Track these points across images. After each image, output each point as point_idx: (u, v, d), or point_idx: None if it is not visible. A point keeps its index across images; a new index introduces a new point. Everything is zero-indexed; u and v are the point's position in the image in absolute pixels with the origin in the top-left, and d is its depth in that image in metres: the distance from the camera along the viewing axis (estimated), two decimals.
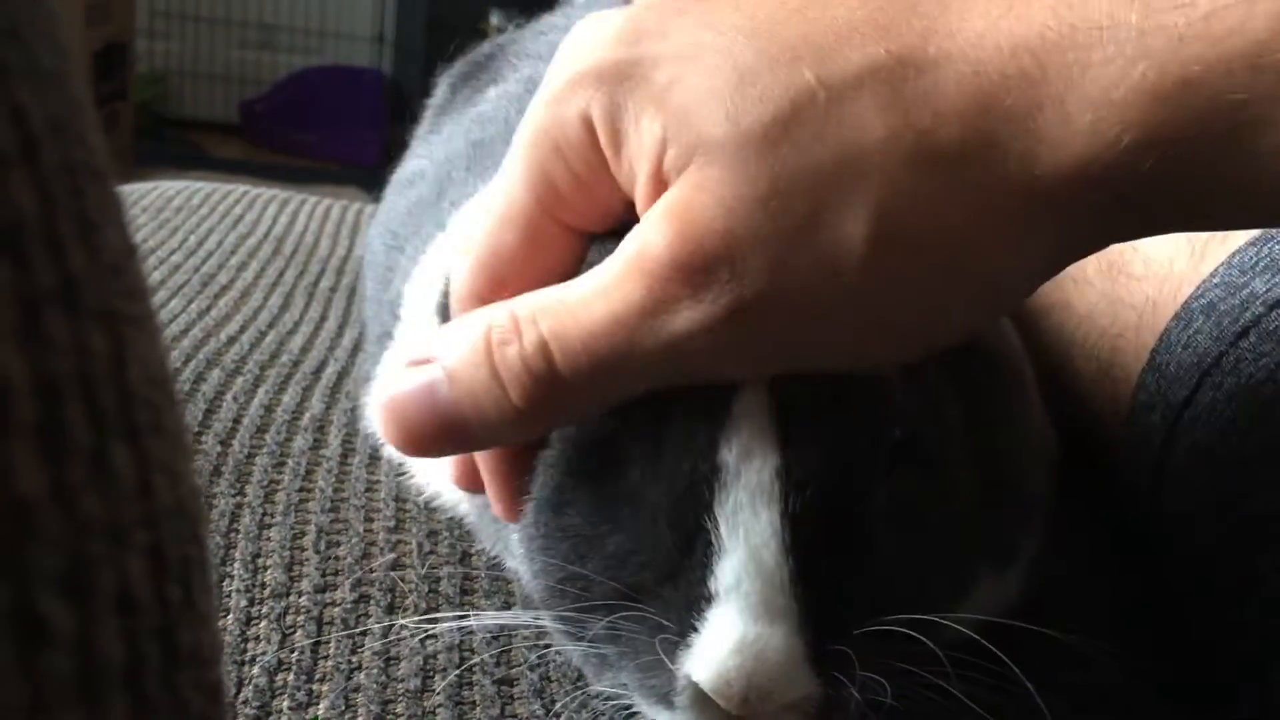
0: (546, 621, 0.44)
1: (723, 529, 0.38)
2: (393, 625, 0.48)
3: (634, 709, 0.41)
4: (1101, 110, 0.33)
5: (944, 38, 0.35)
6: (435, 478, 0.56)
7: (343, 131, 3.76)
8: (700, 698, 0.38)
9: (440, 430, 0.39)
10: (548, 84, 0.39)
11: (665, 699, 0.39)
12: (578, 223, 0.40)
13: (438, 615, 0.47)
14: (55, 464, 0.14)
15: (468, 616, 0.47)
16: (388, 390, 0.39)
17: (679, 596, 0.38)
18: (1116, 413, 0.57)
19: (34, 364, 0.14)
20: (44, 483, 0.14)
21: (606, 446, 0.41)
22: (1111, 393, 0.58)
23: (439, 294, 0.55)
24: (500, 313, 0.38)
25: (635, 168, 0.37)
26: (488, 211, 0.41)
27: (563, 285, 0.38)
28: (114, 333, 0.16)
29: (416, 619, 0.47)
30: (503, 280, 0.40)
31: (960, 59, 0.34)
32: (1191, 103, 0.32)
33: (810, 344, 0.37)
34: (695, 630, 0.38)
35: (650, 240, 0.35)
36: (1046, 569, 0.49)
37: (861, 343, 0.37)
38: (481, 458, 0.43)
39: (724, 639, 0.37)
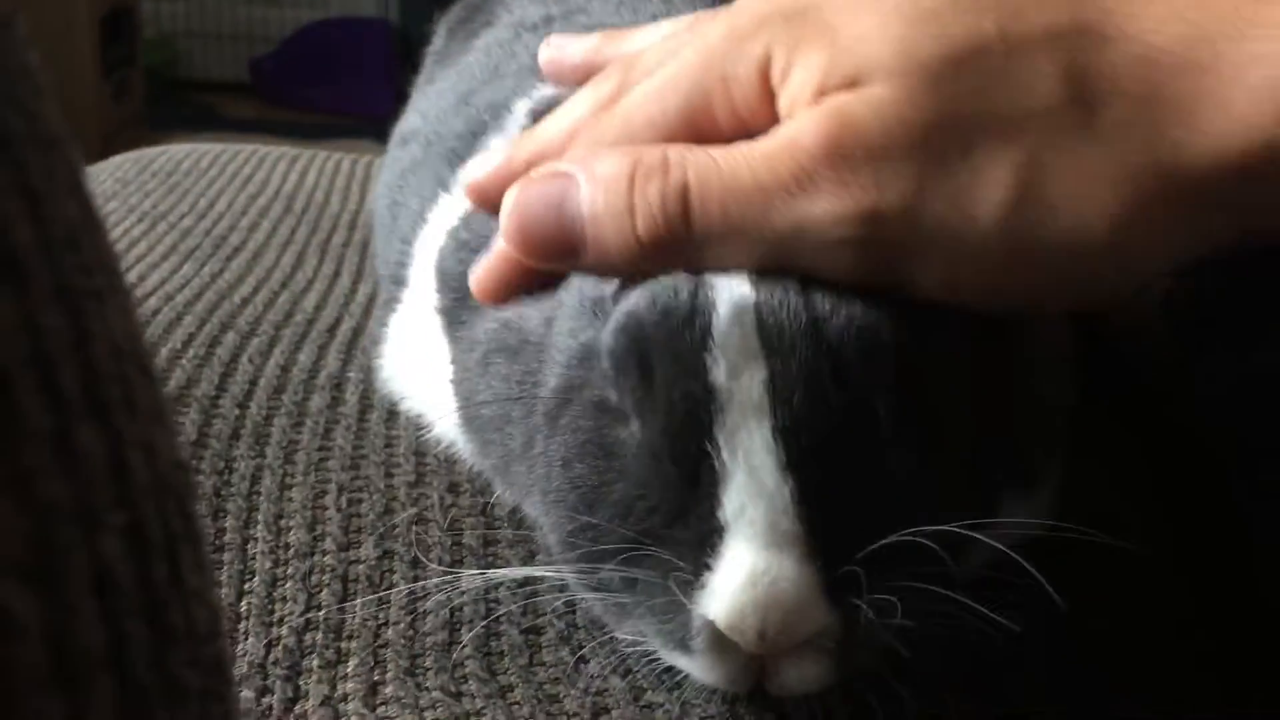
0: (565, 573, 0.43)
1: (724, 452, 0.37)
2: (418, 581, 0.48)
3: (656, 654, 0.41)
4: (1259, 106, 0.34)
5: (1125, 17, 0.36)
6: (450, 431, 0.55)
7: (354, 84, 3.73)
8: (717, 640, 0.38)
9: (556, 239, 0.41)
10: (730, 16, 0.41)
11: (682, 643, 0.39)
12: (711, 140, 0.41)
13: (460, 571, 0.47)
14: (10, 450, 0.14)
15: (489, 573, 0.47)
16: (519, 185, 0.41)
17: (690, 534, 0.38)
18: (1142, 313, 0.56)
19: None
20: None
21: (605, 398, 0.41)
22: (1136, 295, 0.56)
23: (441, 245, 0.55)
24: (652, 150, 0.40)
25: (797, 96, 0.39)
26: (627, 108, 0.43)
27: (712, 147, 0.39)
28: (72, 308, 0.16)
29: (440, 576, 0.47)
30: None
31: (1138, 40, 0.36)
32: None
33: (920, 270, 0.38)
34: (708, 568, 0.37)
35: (804, 129, 0.37)
36: (1075, 490, 0.49)
37: (970, 284, 0.38)
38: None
39: (735, 575, 0.36)
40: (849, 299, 0.39)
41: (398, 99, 0.82)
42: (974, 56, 0.36)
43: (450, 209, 0.56)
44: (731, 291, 0.39)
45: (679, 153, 0.39)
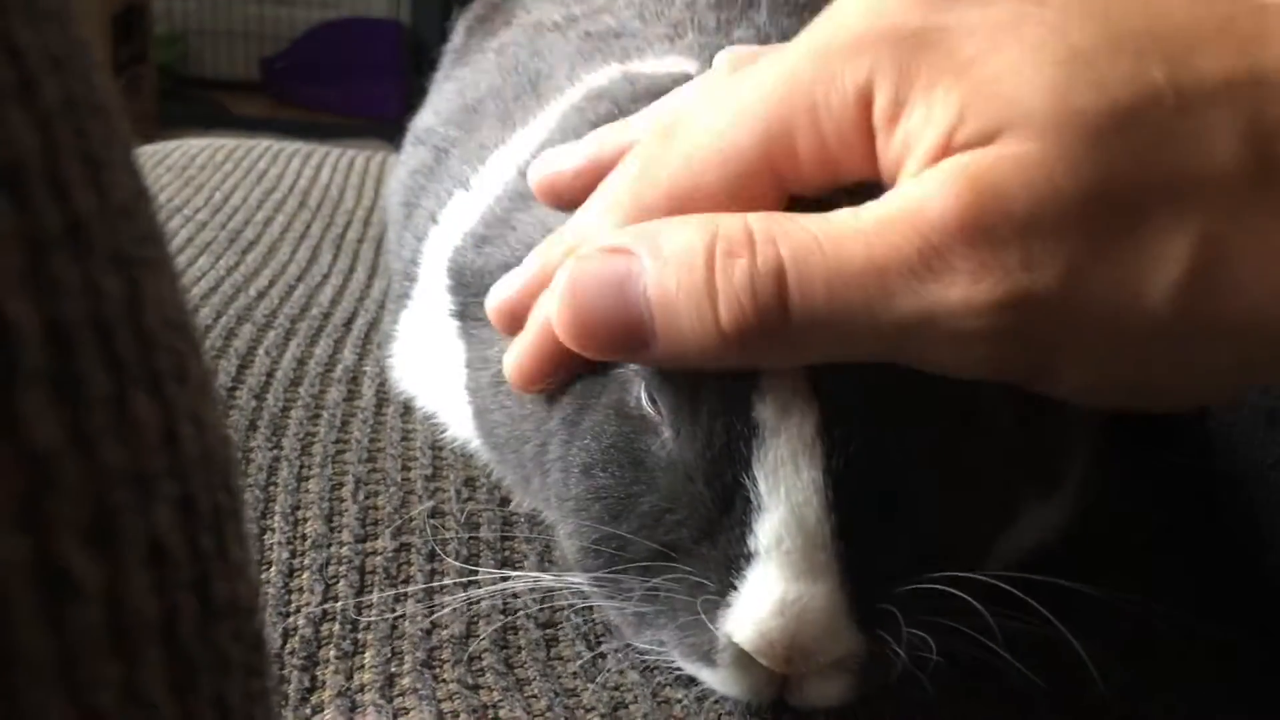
0: (582, 583, 0.43)
1: (762, 486, 0.37)
2: (435, 575, 0.48)
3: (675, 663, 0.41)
4: None
5: None
6: (463, 431, 0.55)
7: (364, 85, 3.74)
8: (742, 656, 0.37)
9: (620, 330, 0.35)
10: (822, 33, 0.35)
11: (706, 657, 0.38)
12: (794, 190, 0.36)
13: (479, 572, 0.47)
14: (72, 412, 0.14)
15: (507, 579, 0.47)
16: (571, 265, 0.36)
17: (717, 554, 0.38)
18: None
19: (43, 310, 0.13)
20: (61, 432, 0.13)
21: (637, 408, 0.41)
22: None
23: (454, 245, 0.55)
24: (732, 221, 0.34)
25: (913, 143, 0.33)
26: (688, 145, 0.37)
27: (807, 216, 0.34)
28: (128, 276, 0.16)
29: (458, 573, 0.47)
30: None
31: None
32: None
33: (1069, 365, 0.33)
34: (735, 589, 0.37)
35: (933, 197, 0.31)
36: (1094, 493, 0.49)
37: (1126, 379, 0.33)
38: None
39: (765, 599, 0.36)
40: None
41: (408, 101, 0.82)
42: (1142, 111, 0.30)
43: (465, 208, 0.56)
44: None
45: (766, 224, 0.33)
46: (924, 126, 0.32)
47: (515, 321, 0.42)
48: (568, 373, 0.40)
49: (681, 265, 0.34)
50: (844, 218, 0.33)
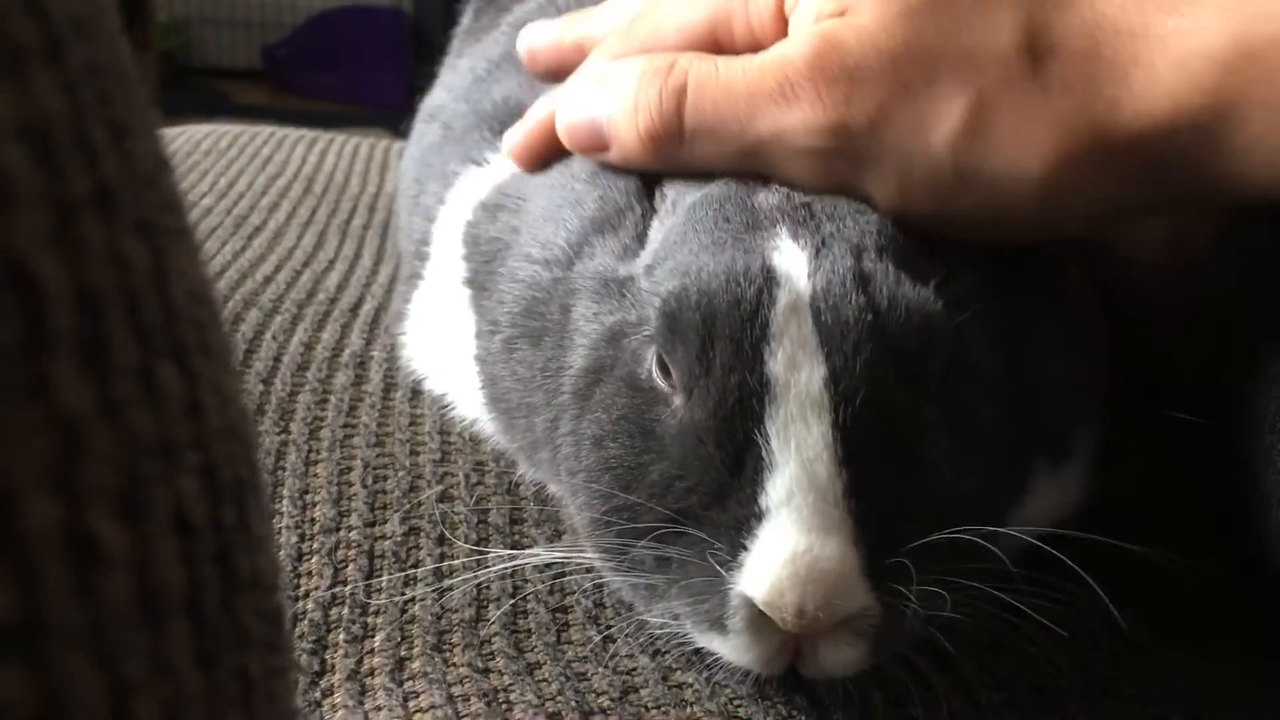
0: (593, 555, 0.43)
1: (774, 443, 0.37)
2: (444, 559, 0.47)
3: (686, 637, 0.41)
4: (1181, 73, 0.38)
5: None
6: (473, 408, 0.55)
7: (366, 73, 3.72)
8: (754, 619, 0.37)
9: (593, 137, 0.48)
10: None
11: (718, 623, 0.38)
12: (728, 50, 0.47)
13: (488, 552, 0.47)
14: (101, 379, 0.13)
15: (517, 556, 0.47)
16: (570, 89, 0.50)
17: (728, 517, 0.38)
18: (1177, 308, 0.56)
19: (72, 273, 0.13)
20: (90, 398, 0.13)
21: (648, 380, 0.41)
22: (1172, 289, 0.56)
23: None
24: (665, 55, 0.46)
25: (800, 20, 0.44)
26: (659, 14, 0.49)
27: (719, 56, 0.45)
28: (153, 245, 0.16)
29: (468, 555, 0.47)
30: None
31: (1086, 5, 0.41)
32: (1252, 72, 0.37)
33: (876, 183, 0.43)
34: (746, 548, 0.37)
35: (793, 47, 0.43)
36: (1110, 471, 0.48)
37: (918, 202, 0.42)
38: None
39: (776, 551, 0.36)
40: (904, 285, 0.39)
41: (409, 89, 0.82)
42: (947, 1, 0.41)
43: (480, 181, 0.56)
44: (791, 283, 0.39)
45: (687, 58, 0.45)
46: (806, 8, 0.44)
47: (533, 63, 0.56)
48: (551, 158, 0.51)
49: (624, 86, 0.46)
50: (740, 59, 0.44)
